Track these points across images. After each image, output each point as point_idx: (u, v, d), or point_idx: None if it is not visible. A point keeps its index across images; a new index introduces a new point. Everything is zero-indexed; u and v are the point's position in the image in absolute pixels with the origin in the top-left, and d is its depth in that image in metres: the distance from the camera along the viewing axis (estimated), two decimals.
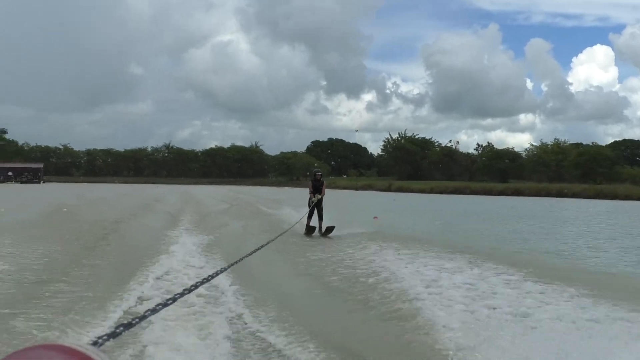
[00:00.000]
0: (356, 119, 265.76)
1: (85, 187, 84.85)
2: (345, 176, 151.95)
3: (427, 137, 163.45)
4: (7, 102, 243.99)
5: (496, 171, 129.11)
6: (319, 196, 22.15)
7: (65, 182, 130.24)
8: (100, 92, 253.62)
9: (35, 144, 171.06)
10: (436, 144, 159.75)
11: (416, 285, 10.57)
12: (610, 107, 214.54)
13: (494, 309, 9.03)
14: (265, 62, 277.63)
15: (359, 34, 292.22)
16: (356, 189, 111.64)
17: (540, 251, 19.71)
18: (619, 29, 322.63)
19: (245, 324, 8.46)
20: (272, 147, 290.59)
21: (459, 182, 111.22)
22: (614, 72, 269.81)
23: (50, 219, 25.68)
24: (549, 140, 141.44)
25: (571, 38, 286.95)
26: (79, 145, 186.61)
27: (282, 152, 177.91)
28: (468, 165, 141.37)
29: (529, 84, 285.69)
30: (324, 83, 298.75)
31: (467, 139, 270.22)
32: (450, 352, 6.83)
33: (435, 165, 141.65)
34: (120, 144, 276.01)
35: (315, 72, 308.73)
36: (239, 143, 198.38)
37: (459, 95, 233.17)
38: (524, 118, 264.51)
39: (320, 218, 22.10)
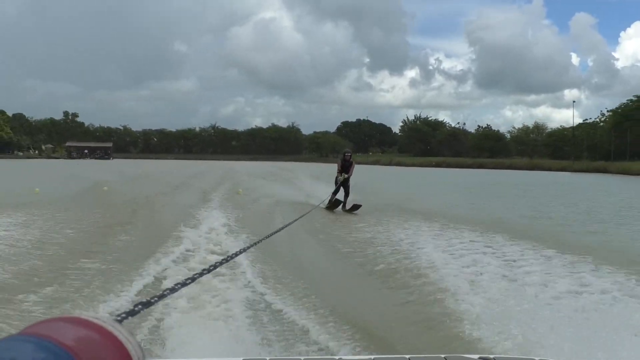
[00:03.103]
0: (399, 95, 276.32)
1: (149, 162, 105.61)
2: (371, 153, 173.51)
3: (440, 119, 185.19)
4: (58, 79, 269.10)
5: (486, 149, 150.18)
6: (346, 175, 22.84)
7: (128, 158, 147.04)
8: (146, 70, 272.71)
9: (98, 125, 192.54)
10: (447, 125, 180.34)
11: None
12: None
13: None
14: (308, 39, 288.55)
15: (402, 10, 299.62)
16: (367, 163, 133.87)
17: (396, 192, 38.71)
18: None
19: (264, 298, 8.45)
20: (314, 124, 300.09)
21: (439, 158, 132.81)
22: None
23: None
24: (593, 116, 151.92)
25: (619, 11, 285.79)
26: (129, 122, 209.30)
27: (314, 132, 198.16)
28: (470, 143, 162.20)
29: (575, 60, 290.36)
30: (366, 60, 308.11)
31: (512, 114, 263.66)
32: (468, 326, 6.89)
33: (443, 144, 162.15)
34: (166, 120, 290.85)
35: (358, 48, 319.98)
36: (282, 119, 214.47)
37: (503, 71, 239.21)
38: (569, 94, 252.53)
39: (347, 194, 22.78)
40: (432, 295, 8.54)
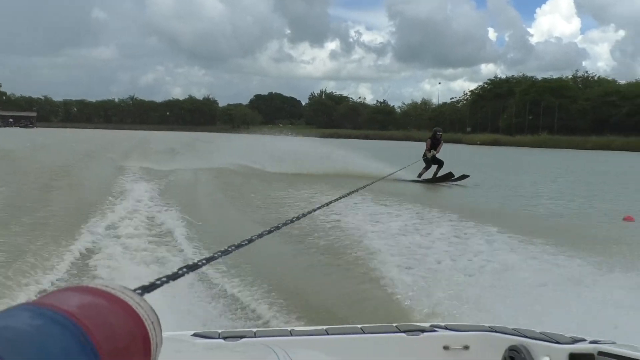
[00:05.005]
0: (320, 67, 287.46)
1: (72, 131, 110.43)
2: (281, 125, 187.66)
3: (344, 95, 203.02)
4: None
5: (378, 122, 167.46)
6: (435, 152, 24.69)
7: (48, 127, 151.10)
8: (64, 36, 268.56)
9: (20, 95, 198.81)
10: (350, 100, 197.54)
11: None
12: (569, 58, 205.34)
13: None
14: (230, 8, 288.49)
15: None
16: (274, 135, 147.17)
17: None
18: None
19: (212, 274, 8.00)
20: (236, 94, 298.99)
21: (332, 130, 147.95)
22: (576, 23, 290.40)
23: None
24: None
25: None
26: (49, 91, 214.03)
27: (228, 104, 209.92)
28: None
29: (492, 35, 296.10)
30: (288, 31, 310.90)
31: (431, 88, 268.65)
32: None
33: (344, 117, 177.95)
34: (86, 88, 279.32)
35: (280, 19, 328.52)
36: (202, 89, 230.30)
37: (422, 45, 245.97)
38: (485, 68, 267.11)
39: (440, 166, 24.61)
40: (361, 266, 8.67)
